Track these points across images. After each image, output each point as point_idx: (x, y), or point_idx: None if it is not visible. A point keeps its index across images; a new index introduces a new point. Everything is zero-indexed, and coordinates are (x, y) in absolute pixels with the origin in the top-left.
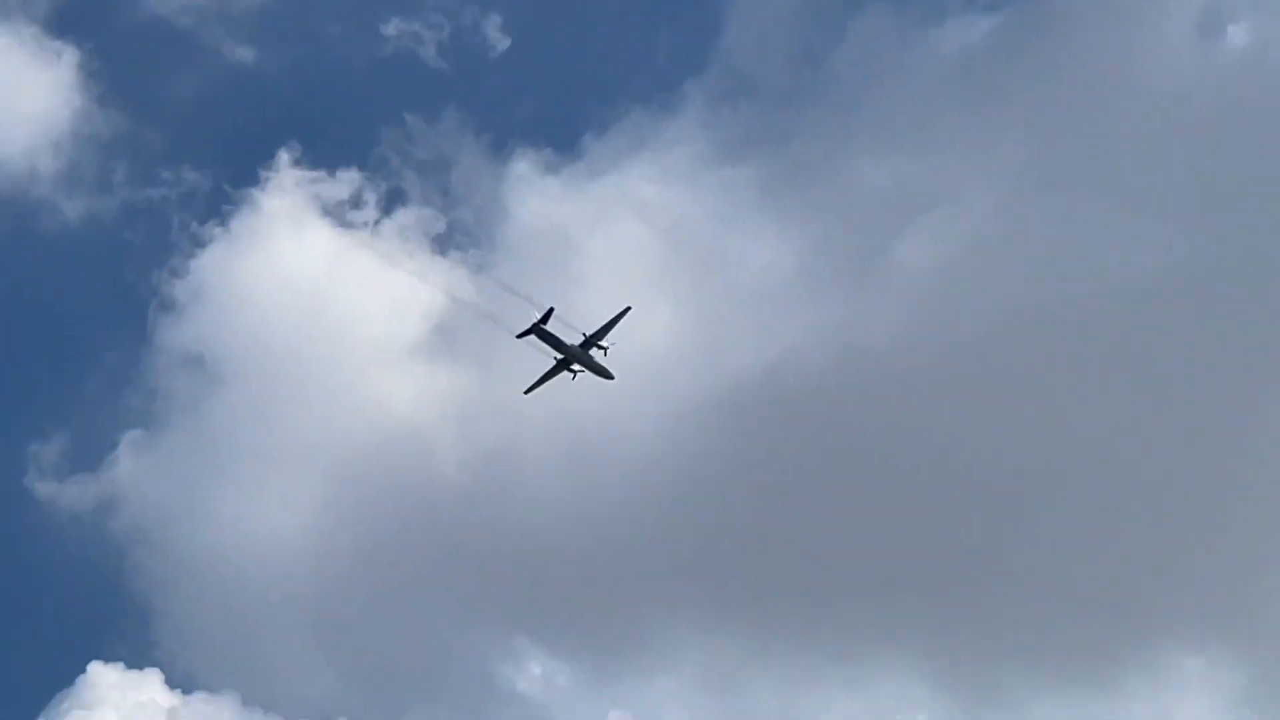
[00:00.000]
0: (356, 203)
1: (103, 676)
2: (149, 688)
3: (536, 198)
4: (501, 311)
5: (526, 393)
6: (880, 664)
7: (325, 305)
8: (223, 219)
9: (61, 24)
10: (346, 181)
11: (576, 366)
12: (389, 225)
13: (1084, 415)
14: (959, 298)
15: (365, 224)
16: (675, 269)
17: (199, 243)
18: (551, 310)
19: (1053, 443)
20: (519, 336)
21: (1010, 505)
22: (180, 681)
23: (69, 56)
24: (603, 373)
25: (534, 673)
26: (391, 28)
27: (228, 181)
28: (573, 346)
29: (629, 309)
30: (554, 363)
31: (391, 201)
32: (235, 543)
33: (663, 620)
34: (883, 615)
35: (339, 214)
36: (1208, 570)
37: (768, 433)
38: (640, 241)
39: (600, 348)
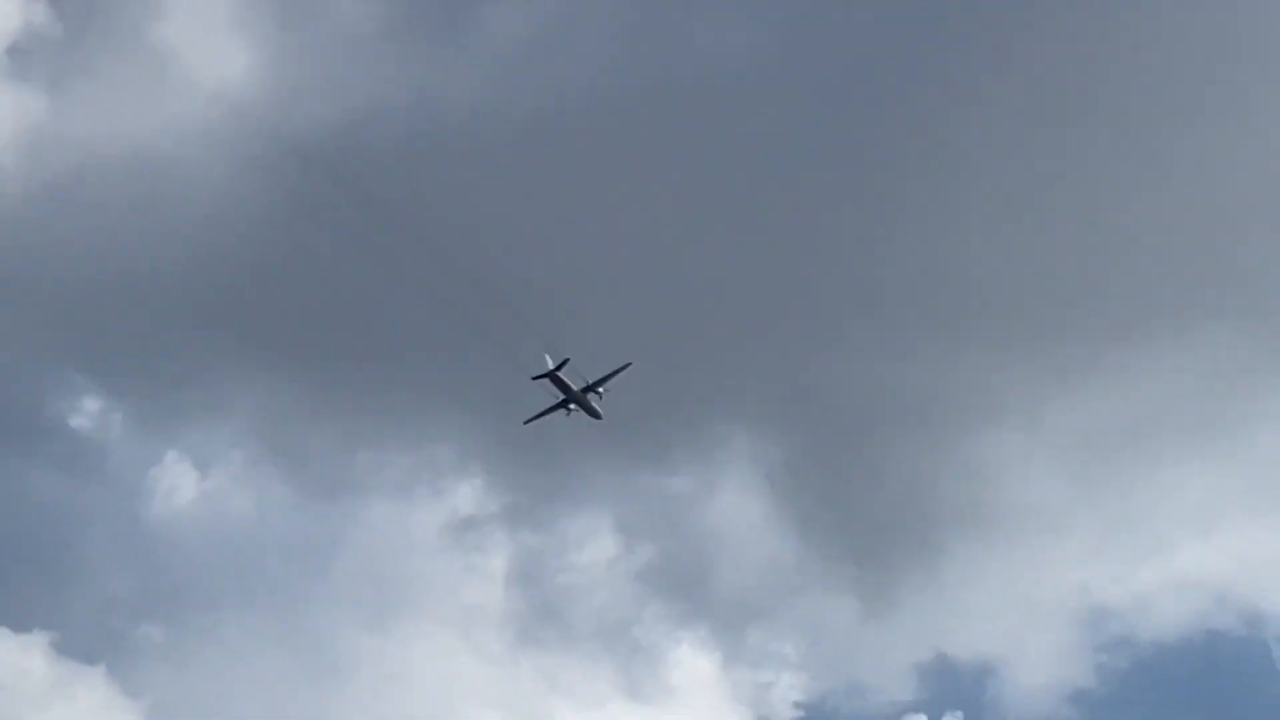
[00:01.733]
0: None
1: None
2: None
3: None
4: (80, 36)
5: (526, 423)
6: (438, 424)
7: None
8: None
9: None
10: None
11: (573, 406)
12: None
13: (657, 192)
14: (545, 67)
15: None
16: (255, 9)
17: None
18: (567, 360)
19: (620, 220)
20: (534, 379)
21: (576, 275)
22: None
23: None
24: (594, 414)
25: (89, 409)
26: None
27: None
28: (577, 391)
29: (630, 365)
30: (556, 401)
31: None
32: None
33: (222, 367)
34: (443, 376)
35: None
36: (755, 347)
37: (340, 187)
38: None
39: (597, 393)
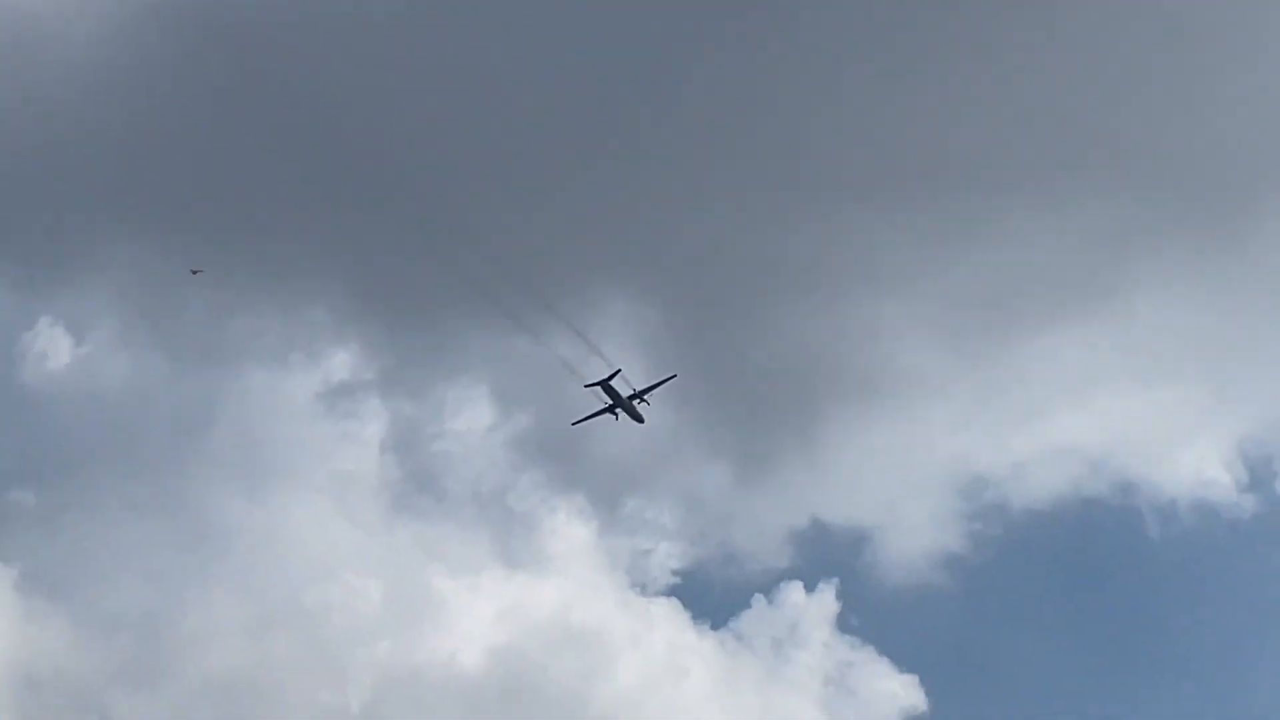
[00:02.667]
0: None
1: None
2: None
3: None
4: None
5: (574, 424)
6: (314, 290)
7: None
8: None
9: None
10: None
11: (619, 411)
12: None
13: (537, 49)
14: None
15: None
16: None
17: None
18: (619, 370)
19: (498, 78)
20: (587, 386)
21: (452, 131)
22: None
23: None
24: (638, 418)
25: None
26: None
27: None
28: (624, 398)
29: (675, 376)
30: (603, 406)
31: None
32: None
33: (96, 232)
34: (316, 236)
35: None
36: (633, 211)
37: (208, 49)
38: None
39: (644, 401)
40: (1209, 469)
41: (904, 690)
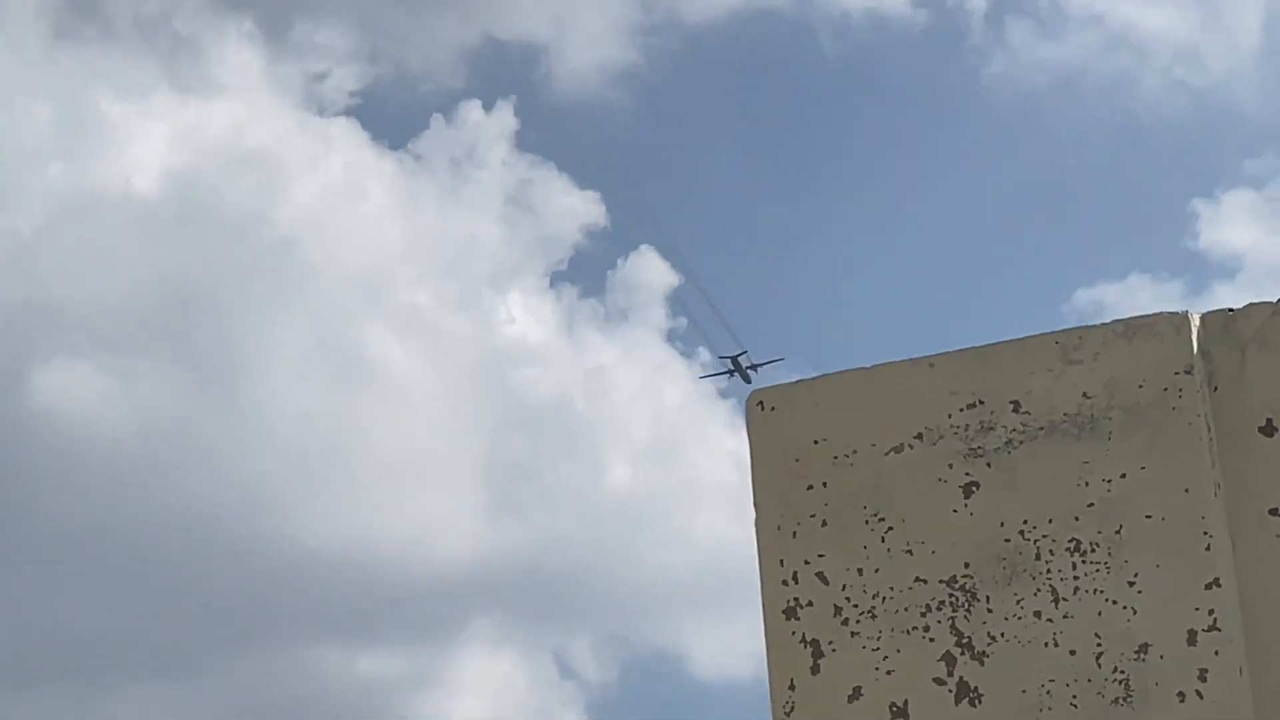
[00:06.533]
0: None
1: None
2: None
3: None
4: None
5: (701, 379)
6: None
7: None
8: None
9: None
10: None
11: (735, 374)
12: None
13: None
14: None
15: None
16: None
17: None
18: (745, 351)
19: None
20: (720, 358)
21: None
22: None
23: None
24: (748, 380)
25: None
26: None
27: None
28: (744, 368)
29: (782, 359)
30: (725, 370)
31: None
32: None
33: None
34: None
35: None
36: None
37: None
38: None
39: (755, 370)
40: None
41: (584, 206)
